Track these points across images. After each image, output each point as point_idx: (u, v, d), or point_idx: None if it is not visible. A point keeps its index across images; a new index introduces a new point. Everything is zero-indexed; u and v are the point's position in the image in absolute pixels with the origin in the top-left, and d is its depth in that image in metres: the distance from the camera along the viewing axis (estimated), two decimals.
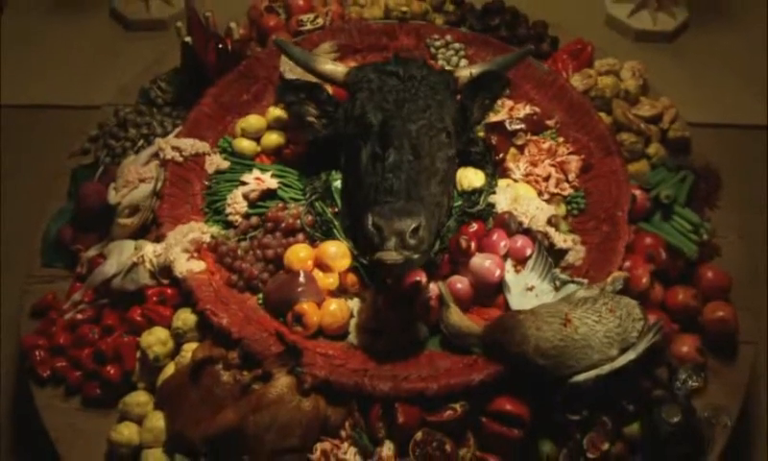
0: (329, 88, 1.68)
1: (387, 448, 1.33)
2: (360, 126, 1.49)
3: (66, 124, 2.34)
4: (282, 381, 1.33)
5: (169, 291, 1.50)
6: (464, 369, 1.38)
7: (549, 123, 1.83)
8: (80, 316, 1.54)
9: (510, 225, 1.57)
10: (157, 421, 1.40)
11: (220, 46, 1.95)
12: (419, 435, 1.33)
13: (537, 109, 1.84)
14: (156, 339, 1.45)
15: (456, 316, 1.43)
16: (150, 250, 1.51)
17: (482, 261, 1.51)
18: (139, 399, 1.44)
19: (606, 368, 1.30)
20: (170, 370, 1.45)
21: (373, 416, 1.35)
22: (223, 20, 2.03)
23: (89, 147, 1.94)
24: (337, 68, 1.63)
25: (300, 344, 1.41)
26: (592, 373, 1.30)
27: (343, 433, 1.35)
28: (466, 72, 1.62)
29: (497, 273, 1.50)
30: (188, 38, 1.85)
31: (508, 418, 1.34)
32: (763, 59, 2.64)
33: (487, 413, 1.35)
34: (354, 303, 1.52)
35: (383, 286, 1.50)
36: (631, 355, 1.33)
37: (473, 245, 1.52)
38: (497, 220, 1.59)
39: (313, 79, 1.67)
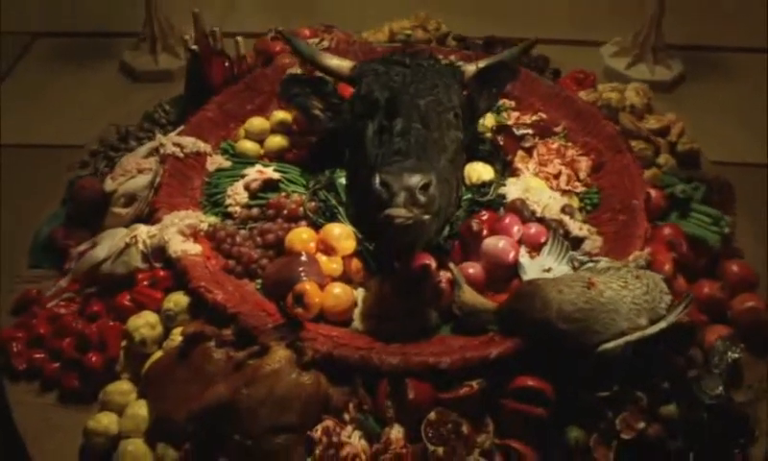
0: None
1: (396, 431, 1.19)
2: (366, 104, 1.46)
3: (65, 160, 2.32)
4: (280, 354, 1.21)
5: (162, 273, 1.40)
6: (480, 345, 1.27)
7: (557, 129, 1.81)
8: (63, 310, 1.43)
9: (523, 211, 1.50)
10: (140, 408, 1.26)
11: (226, 64, 1.97)
12: (432, 415, 1.20)
13: (543, 116, 1.82)
14: (144, 322, 1.33)
15: (469, 294, 1.33)
16: (143, 230, 1.43)
17: (495, 242, 1.42)
18: (122, 387, 1.31)
19: (636, 335, 1.19)
20: (157, 357, 1.32)
21: (381, 393, 1.21)
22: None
23: (88, 160, 1.90)
24: (343, 63, 1.62)
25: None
26: (621, 340, 1.19)
27: (346, 416, 1.21)
28: (472, 66, 1.61)
29: (512, 254, 1.41)
30: (195, 47, 1.85)
31: (530, 395, 1.20)
32: (759, 104, 2.68)
33: (507, 393, 1.22)
34: (359, 293, 1.42)
35: (390, 270, 1.41)
36: (662, 324, 1.22)
37: (485, 228, 1.45)
38: (509, 206, 1.52)
39: None
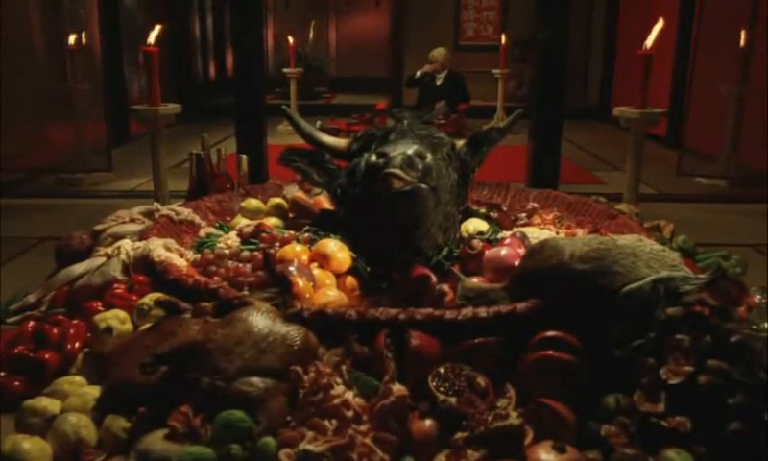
0: None
1: (398, 386, 0.98)
2: (363, 140, 1.51)
3: None
4: (263, 306, 1.06)
5: (140, 278, 1.29)
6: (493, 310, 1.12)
7: (549, 215, 1.82)
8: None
9: (524, 241, 1.45)
10: (91, 389, 1.06)
11: (228, 186, 2.06)
12: (440, 368, 1.01)
13: (536, 205, 1.85)
14: (113, 315, 1.19)
15: (473, 281, 1.22)
16: (128, 243, 1.36)
17: (497, 251, 1.36)
18: (73, 379, 1.11)
19: (664, 273, 1.07)
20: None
21: (379, 343, 1.03)
22: None
23: None
24: (340, 141, 1.71)
25: None
26: (648, 278, 1.06)
27: (338, 380, 1.01)
28: (461, 141, 1.70)
29: (518, 261, 1.32)
30: (200, 152, 1.96)
31: (556, 347, 1.03)
32: None
33: (528, 352, 1.04)
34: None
35: (388, 282, 1.31)
36: (692, 276, 1.10)
37: (485, 249, 1.39)
38: (510, 235, 1.47)
39: None
